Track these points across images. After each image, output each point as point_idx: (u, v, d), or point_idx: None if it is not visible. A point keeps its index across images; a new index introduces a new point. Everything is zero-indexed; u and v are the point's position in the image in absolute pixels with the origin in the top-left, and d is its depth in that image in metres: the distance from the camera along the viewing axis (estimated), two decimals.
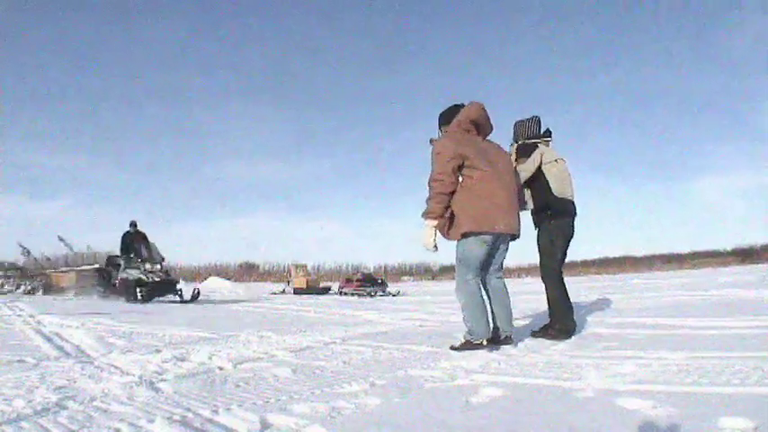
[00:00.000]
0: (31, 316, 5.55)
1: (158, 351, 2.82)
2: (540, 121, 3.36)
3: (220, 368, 2.28)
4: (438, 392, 1.72)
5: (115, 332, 3.92)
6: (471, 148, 2.74)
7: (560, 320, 3.09)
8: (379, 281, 17.14)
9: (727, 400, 1.46)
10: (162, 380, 2.02)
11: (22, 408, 1.59)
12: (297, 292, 18.64)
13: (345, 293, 16.80)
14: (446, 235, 2.78)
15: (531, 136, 3.31)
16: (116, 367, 2.31)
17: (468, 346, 2.66)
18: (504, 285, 2.92)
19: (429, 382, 1.88)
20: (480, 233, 2.69)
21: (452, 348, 2.70)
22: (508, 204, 2.76)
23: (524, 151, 3.24)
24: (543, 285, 3.22)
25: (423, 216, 2.75)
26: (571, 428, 1.28)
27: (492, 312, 2.86)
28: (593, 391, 1.64)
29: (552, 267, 3.17)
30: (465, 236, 2.70)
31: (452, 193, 2.72)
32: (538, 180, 3.19)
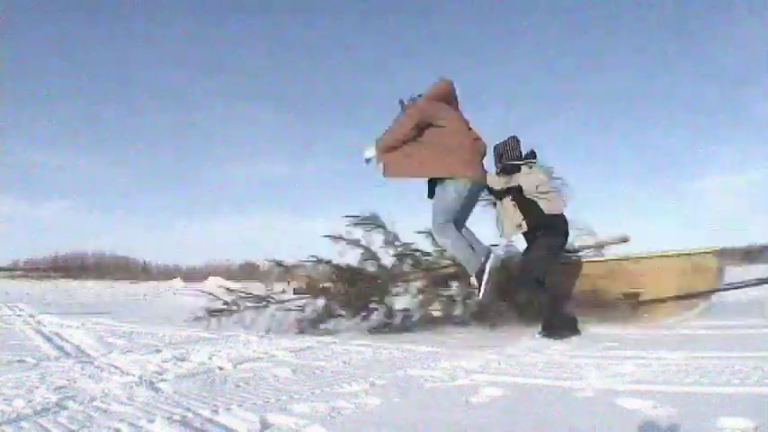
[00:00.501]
0: (31, 316, 5.55)
1: (158, 351, 2.82)
2: (518, 140, 3.41)
3: (220, 368, 2.28)
4: (438, 392, 1.72)
5: (115, 332, 3.92)
6: (443, 110, 3.03)
7: (559, 316, 3.09)
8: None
9: (727, 400, 1.46)
10: (162, 380, 2.02)
11: (22, 408, 1.59)
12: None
13: None
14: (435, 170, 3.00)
15: (513, 158, 3.35)
16: (116, 367, 2.31)
17: (480, 276, 2.87)
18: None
19: (429, 382, 1.88)
20: (465, 178, 2.94)
21: (479, 295, 2.89)
22: (478, 158, 3.04)
23: (505, 171, 3.32)
24: (531, 287, 3.23)
25: (376, 141, 3.05)
26: (571, 428, 1.28)
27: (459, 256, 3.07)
28: (594, 391, 1.64)
29: (542, 275, 3.19)
30: (451, 178, 2.96)
31: (406, 140, 2.99)
32: (529, 201, 3.23)
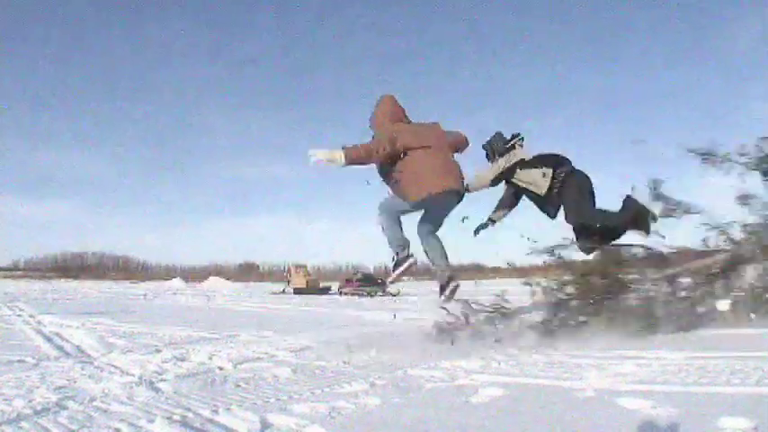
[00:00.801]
0: (31, 316, 5.55)
1: (158, 351, 2.82)
2: (501, 133, 3.49)
3: (220, 368, 2.28)
4: (438, 392, 1.72)
5: (115, 332, 3.92)
6: (410, 136, 3.00)
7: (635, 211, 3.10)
8: (379, 281, 17.15)
9: (727, 400, 1.46)
10: (162, 380, 2.02)
11: (22, 408, 1.59)
12: (297, 292, 18.67)
13: (345, 294, 16.80)
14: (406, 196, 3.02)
15: (504, 143, 3.43)
16: (116, 367, 2.31)
17: (397, 266, 3.03)
18: (438, 236, 3.21)
19: (429, 382, 1.88)
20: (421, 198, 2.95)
21: (390, 281, 3.13)
22: (444, 168, 3.01)
23: (502, 154, 3.39)
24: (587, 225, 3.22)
25: (343, 148, 2.91)
26: (571, 428, 1.28)
27: (427, 254, 3.19)
28: (594, 390, 1.64)
29: (591, 207, 3.20)
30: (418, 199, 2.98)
31: (377, 158, 2.95)
32: (533, 160, 3.32)
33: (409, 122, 3.24)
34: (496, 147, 3.44)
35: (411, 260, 3.05)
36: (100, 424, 1.42)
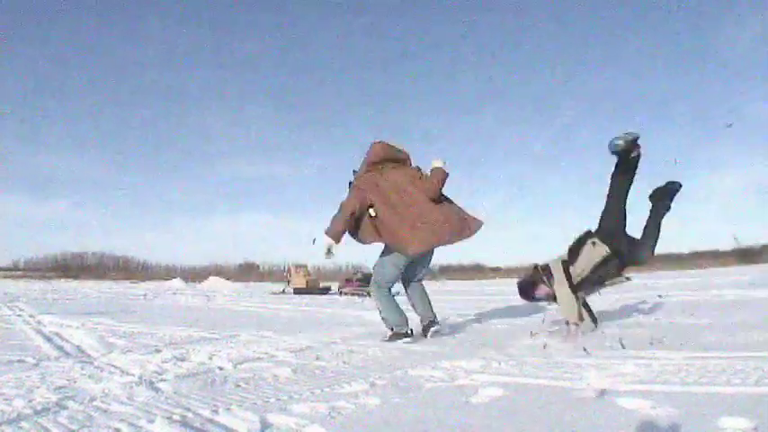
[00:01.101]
0: (31, 316, 5.55)
1: (158, 351, 2.82)
2: (521, 279, 3.32)
3: (220, 368, 2.28)
4: (438, 392, 1.72)
5: (115, 332, 3.92)
6: (378, 193, 3.24)
7: None
8: None
9: (727, 400, 1.46)
10: (162, 380, 2.02)
11: (22, 408, 1.59)
12: (297, 292, 18.70)
13: (345, 293, 16.81)
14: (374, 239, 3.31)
15: (542, 272, 3.19)
16: (116, 367, 2.31)
17: (396, 336, 3.18)
18: (422, 286, 3.53)
19: (429, 382, 1.88)
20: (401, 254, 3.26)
21: (384, 340, 3.15)
22: (426, 224, 3.20)
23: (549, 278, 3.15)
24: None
25: (325, 233, 3.21)
26: (571, 428, 1.28)
27: (414, 307, 3.46)
28: (594, 391, 1.64)
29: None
30: (389, 249, 3.32)
31: (352, 215, 3.23)
32: (577, 247, 3.15)
33: (396, 163, 3.39)
34: (536, 278, 3.21)
35: (408, 339, 3.16)
36: (100, 424, 1.42)
